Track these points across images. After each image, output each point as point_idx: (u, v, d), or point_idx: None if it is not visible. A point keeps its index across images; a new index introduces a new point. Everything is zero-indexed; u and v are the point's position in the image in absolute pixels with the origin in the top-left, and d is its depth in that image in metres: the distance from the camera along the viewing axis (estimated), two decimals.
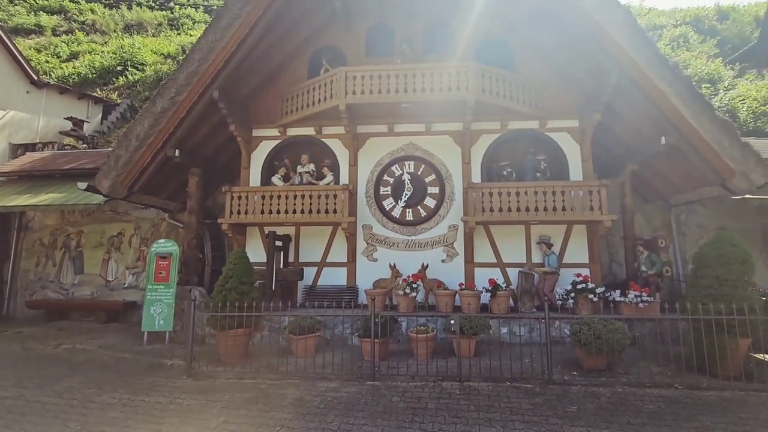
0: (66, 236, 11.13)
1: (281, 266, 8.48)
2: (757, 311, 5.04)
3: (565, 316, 6.73)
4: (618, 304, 7.00)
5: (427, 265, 8.10)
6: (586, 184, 7.83)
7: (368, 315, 5.95)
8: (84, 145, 13.91)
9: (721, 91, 13.85)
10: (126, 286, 10.57)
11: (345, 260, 8.65)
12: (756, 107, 12.55)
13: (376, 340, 5.60)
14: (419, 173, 8.85)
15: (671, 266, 7.94)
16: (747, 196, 7.56)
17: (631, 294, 6.95)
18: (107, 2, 32.80)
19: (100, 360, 6.76)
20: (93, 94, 17.02)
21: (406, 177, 8.86)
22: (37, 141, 13.13)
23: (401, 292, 7.48)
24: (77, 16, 28.46)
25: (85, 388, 5.31)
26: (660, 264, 7.98)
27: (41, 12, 28.37)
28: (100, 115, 16.09)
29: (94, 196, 9.05)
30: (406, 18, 9.10)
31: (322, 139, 9.11)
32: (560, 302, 7.32)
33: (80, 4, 30.63)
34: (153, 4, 33.08)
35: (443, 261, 8.47)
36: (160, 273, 8.02)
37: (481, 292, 7.41)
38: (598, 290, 7.14)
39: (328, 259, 8.73)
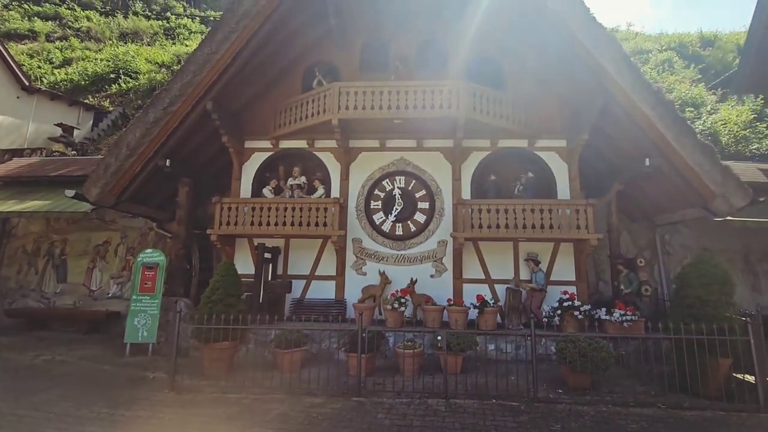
0: (50, 244, 10.93)
1: (270, 278, 8.43)
2: (737, 332, 5.14)
3: (551, 333, 6.78)
4: (603, 323, 7.08)
5: (416, 280, 8.12)
6: (573, 203, 7.97)
7: (355, 329, 5.92)
8: (73, 152, 13.80)
9: (704, 114, 14.28)
10: (110, 295, 10.37)
11: (334, 273, 8.63)
12: (737, 131, 12.97)
13: (362, 356, 5.57)
14: (410, 188, 8.93)
15: (651, 285, 8.04)
16: (728, 218, 7.76)
17: (617, 313, 7.03)
18: (103, 10, 32.93)
19: (80, 372, 6.60)
20: (84, 101, 16.95)
21: (396, 192, 8.93)
22: (26, 147, 13.00)
23: (389, 307, 7.47)
24: (72, 23, 28.47)
25: (63, 401, 5.18)
26: (637, 283, 8.09)
27: (36, 18, 28.34)
28: (91, 123, 16.02)
29: (81, 203, 8.93)
30: (400, 36, 9.30)
31: (314, 153, 9.17)
32: (546, 319, 7.38)
33: (76, 11, 30.68)
34: (149, 14, 33.27)
35: (432, 276, 8.50)
36: (145, 283, 7.91)
37: (469, 308, 7.44)
38: (584, 308, 7.22)
39: (317, 273, 8.71)
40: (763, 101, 13.54)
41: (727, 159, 10.22)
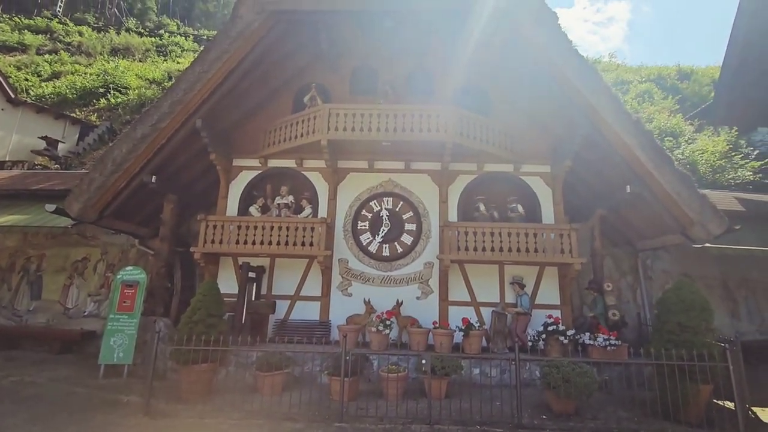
0: (26, 259, 10.59)
1: (253, 298, 8.29)
2: (716, 358, 5.20)
3: (536, 358, 6.76)
4: (587, 347, 7.10)
5: (402, 302, 8.08)
6: (557, 228, 8.10)
7: (339, 352, 5.83)
8: (56, 166, 13.57)
9: (683, 144, 14.80)
10: (86, 314, 10.03)
11: (319, 294, 8.54)
12: (714, 161, 13.44)
13: (346, 379, 5.47)
14: (397, 210, 8.97)
15: (619, 310, 8.12)
16: (707, 245, 7.97)
17: (600, 337, 7.08)
18: (96, 26, 33.02)
19: (50, 394, 6.31)
20: (71, 115, 16.80)
21: (384, 213, 8.96)
22: (7, 159, 12.75)
23: (374, 329, 7.38)
24: (63, 37, 28.46)
25: (29, 425, 4.94)
26: (602, 306, 8.15)
27: (26, 31, 28.26)
28: (77, 137, 15.83)
29: (61, 218, 8.74)
30: (390, 61, 9.51)
31: (303, 172, 9.20)
32: (531, 343, 7.36)
33: (68, 25, 30.72)
34: (143, 31, 33.47)
35: (418, 298, 8.47)
36: (124, 302, 7.70)
37: (455, 331, 7.40)
38: (569, 333, 7.24)
39: (302, 293, 8.60)
40: (737, 133, 14.13)
41: (705, 188, 10.57)
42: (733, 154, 13.67)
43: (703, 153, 13.80)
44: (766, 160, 13.25)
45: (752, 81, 9.65)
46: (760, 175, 12.95)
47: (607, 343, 6.99)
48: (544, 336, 7.30)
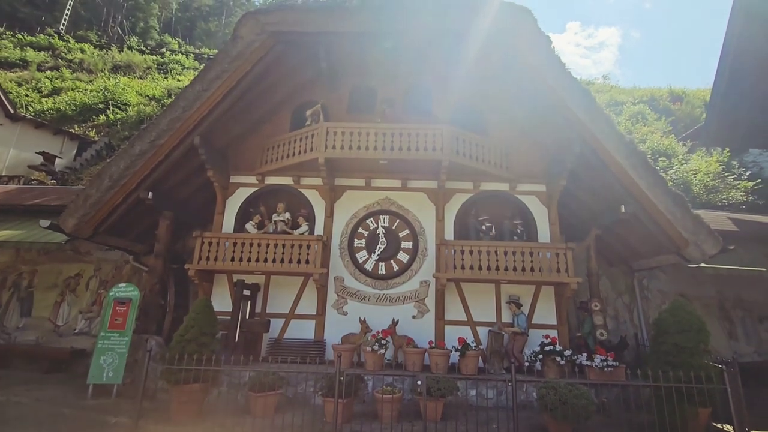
0: (18, 275, 10.47)
1: (247, 316, 8.19)
2: (714, 380, 5.15)
3: (532, 379, 6.68)
4: (584, 368, 7.03)
5: (398, 321, 8.00)
6: (553, 247, 8.11)
7: (333, 373, 5.73)
8: (53, 181, 13.55)
9: (676, 164, 15.00)
10: (76, 331, 9.86)
11: (314, 312, 8.44)
12: (707, 182, 13.60)
13: (340, 401, 5.37)
14: (394, 228, 8.98)
15: (606, 330, 8.06)
16: (702, 264, 8.00)
17: (597, 358, 7.01)
18: (98, 43, 33.49)
19: (35, 415, 6.15)
20: (70, 131, 16.87)
21: (380, 231, 8.96)
22: (3, 174, 12.73)
23: (369, 349, 7.29)
24: (65, 54, 28.79)
25: None
26: (589, 326, 8.10)
27: (28, 48, 28.59)
28: (74, 152, 15.86)
29: (55, 234, 8.69)
30: (388, 82, 9.65)
31: (300, 189, 9.22)
32: (528, 364, 7.28)
33: (70, 42, 31.13)
34: (144, 49, 33.96)
35: (414, 317, 8.39)
36: (116, 319, 7.58)
37: (451, 351, 7.31)
38: (566, 353, 7.17)
39: (297, 311, 8.51)
40: (729, 154, 14.35)
41: (699, 208, 10.67)
42: (726, 174, 13.85)
43: (696, 173, 13.98)
44: (758, 181, 13.43)
45: (742, 103, 9.84)
46: (753, 196, 13.10)
47: (605, 364, 6.92)
48: (541, 356, 7.22)
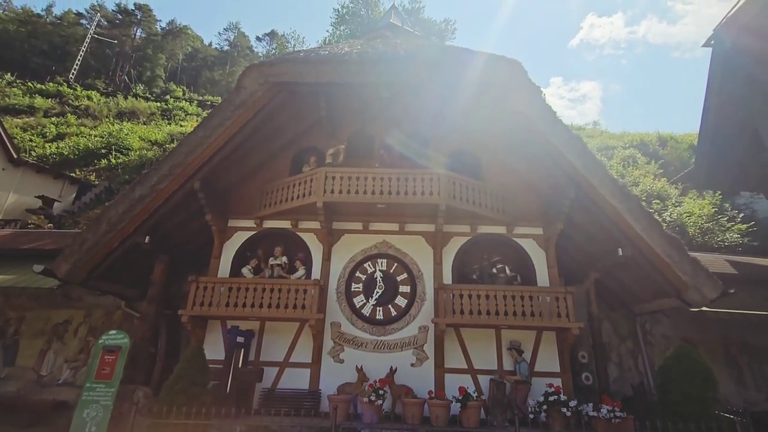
0: (4, 321, 10.16)
1: (240, 365, 7.90)
2: (726, 431, 4.94)
3: None
4: (591, 419, 6.73)
5: (396, 369, 7.74)
6: (552, 290, 8.02)
7: (328, 426, 5.46)
8: (50, 225, 13.52)
9: (670, 207, 15.20)
10: (60, 382, 9.41)
11: (309, 360, 8.16)
12: (701, 224, 13.73)
13: None
14: (391, 271, 8.90)
15: (592, 374, 7.87)
16: (704, 308, 7.89)
17: (604, 408, 6.72)
18: (105, 91, 34.70)
19: None
20: (70, 175, 17.08)
21: (378, 274, 8.87)
22: (0, 218, 12.73)
23: (366, 399, 6.98)
24: (72, 100, 29.70)
25: None
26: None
27: (37, 95, 29.53)
28: (74, 196, 15.97)
29: (47, 279, 8.54)
30: (386, 127, 9.92)
31: (298, 233, 9.22)
32: (533, 415, 6.98)
33: (77, 90, 32.21)
34: (149, 96, 35.16)
35: (413, 365, 8.12)
36: (103, 369, 7.23)
37: (451, 402, 7.01)
38: (571, 404, 6.88)
39: (292, 359, 8.23)
40: (721, 196, 14.60)
41: (695, 250, 10.69)
42: (719, 216, 14.01)
43: (690, 216, 14.14)
44: (752, 223, 13.56)
45: (728, 148, 10.15)
46: (748, 237, 13.19)
47: (612, 414, 6.63)
48: (545, 407, 6.93)
